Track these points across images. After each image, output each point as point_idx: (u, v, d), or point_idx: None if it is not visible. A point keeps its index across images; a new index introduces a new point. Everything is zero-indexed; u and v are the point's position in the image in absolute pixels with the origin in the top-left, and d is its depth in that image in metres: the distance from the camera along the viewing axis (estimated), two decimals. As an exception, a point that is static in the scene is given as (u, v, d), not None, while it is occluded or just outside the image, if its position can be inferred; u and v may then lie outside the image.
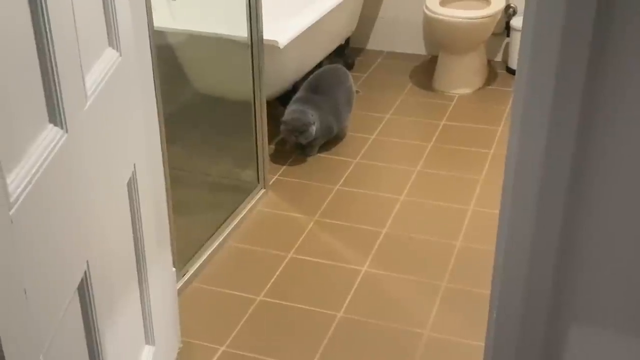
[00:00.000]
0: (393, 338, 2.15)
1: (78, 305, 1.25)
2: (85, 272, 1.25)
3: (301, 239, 2.60)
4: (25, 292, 1.01)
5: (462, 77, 3.66)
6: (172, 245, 2.01)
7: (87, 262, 1.25)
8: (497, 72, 3.87)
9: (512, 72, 3.85)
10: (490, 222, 1.62)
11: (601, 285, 1.48)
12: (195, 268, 2.41)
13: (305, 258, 2.50)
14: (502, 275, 1.57)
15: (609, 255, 1.45)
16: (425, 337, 2.14)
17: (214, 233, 2.56)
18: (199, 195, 2.87)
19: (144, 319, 1.68)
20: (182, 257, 2.29)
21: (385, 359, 2.08)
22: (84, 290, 1.25)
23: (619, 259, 1.44)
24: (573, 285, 1.51)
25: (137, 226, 1.60)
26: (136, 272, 1.61)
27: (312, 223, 2.69)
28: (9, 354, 0.98)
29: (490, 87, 3.73)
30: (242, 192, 2.81)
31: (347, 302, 2.29)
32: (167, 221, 1.91)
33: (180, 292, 2.22)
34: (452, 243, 2.55)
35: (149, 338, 1.71)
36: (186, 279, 2.35)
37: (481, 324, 1.64)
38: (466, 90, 3.67)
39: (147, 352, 1.71)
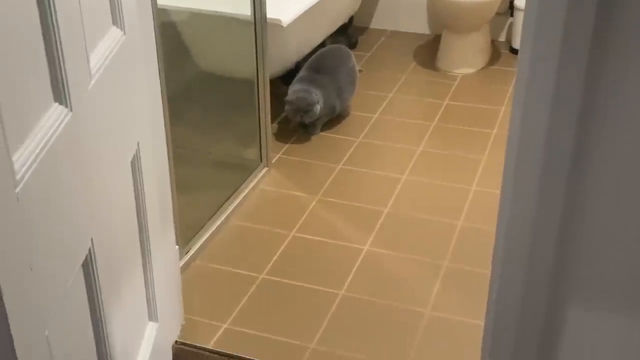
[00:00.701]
0: (394, 316, 2.17)
1: (82, 281, 1.26)
2: (89, 249, 1.26)
3: (303, 217, 2.61)
4: (31, 269, 1.03)
5: (465, 56, 3.65)
6: (175, 223, 2.02)
7: (92, 239, 1.27)
8: (500, 52, 3.86)
9: (515, 52, 3.84)
10: (492, 202, 1.63)
11: (602, 266, 1.49)
12: (197, 246, 2.42)
13: (308, 236, 2.52)
14: (503, 256, 1.59)
15: (610, 236, 1.46)
16: (426, 315, 2.16)
17: (216, 211, 2.58)
18: (202, 174, 2.88)
19: (148, 295, 1.69)
20: (184, 236, 2.31)
21: (387, 337, 2.10)
22: (88, 267, 1.26)
23: (620, 240, 1.45)
24: (574, 266, 1.52)
25: (141, 204, 1.62)
26: (139, 250, 1.62)
27: (314, 202, 2.70)
28: (15, 329, 0.99)
29: (493, 67, 3.72)
30: (245, 170, 2.82)
31: (348, 280, 2.31)
32: (170, 199, 1.92)
33: (182, 270, 2.23)
34: (453, 223, 2.56)
35: (152, 315, 1.73)
36: (189, 257, 2.37)
37: (482, 303, 1.66)
38: (469, 70, 3.66)
39: (151, 328, 1.73)
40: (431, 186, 2.79)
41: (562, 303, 1.56)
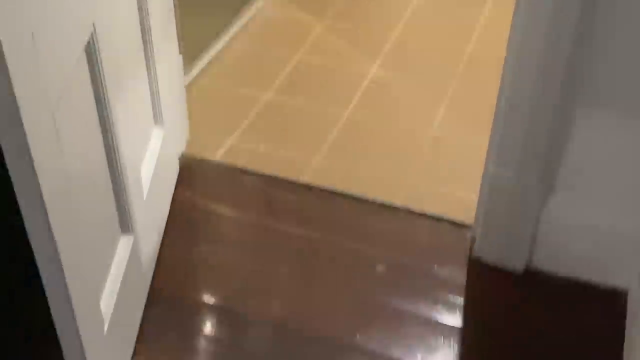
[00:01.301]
0: (399, 136, 2.17)
1: (86, 66, 1.24)
2: (91, 34, 1.23)
3: (309, 41, 2.56)
4: (33, 36, 1.00)
5: None
6: (178, 37, 1.96)
7: (94, 24, 1.23)
8: None
9: None
10: (504, 27, 1.58)
11: (612, 73, 1.46)
12: (201, 67, 2.39)
13: (313, 60, 2.48)
14: (514, 61, 1.56)
15: (622, 45, 1.42)
16: (431, 135, 2.16)
17: (220, 33, 2.52)
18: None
19: (152, 98, 1.67)
20: (188, 57, 2.25)
21: (391, 155, 2.10)
22: (91, 52, 1.23)
23: (632, 50, 1.42)
24: (584, 75, 1.49)
25: (143, 4, 1.57)
26: (143, 48, 1.59)
27: (321, 26, 2.63)
28: (23, 105, 0.98)
29: None
30: (249, -7, 2.73)
31: (354, 102, 2.29)
32: (172, 7, 1.85)
33: (187, 90, 2.20)
34: (463, 48, 2.51)
35: (157, 118, 1.72)
36: (193, 77, 2.34)
37: (488, 124, 1.65)
38: None
39: (157, 132, 1.73)
40: (442, 10, 2.72)
41: (570, 111, 1.55)
